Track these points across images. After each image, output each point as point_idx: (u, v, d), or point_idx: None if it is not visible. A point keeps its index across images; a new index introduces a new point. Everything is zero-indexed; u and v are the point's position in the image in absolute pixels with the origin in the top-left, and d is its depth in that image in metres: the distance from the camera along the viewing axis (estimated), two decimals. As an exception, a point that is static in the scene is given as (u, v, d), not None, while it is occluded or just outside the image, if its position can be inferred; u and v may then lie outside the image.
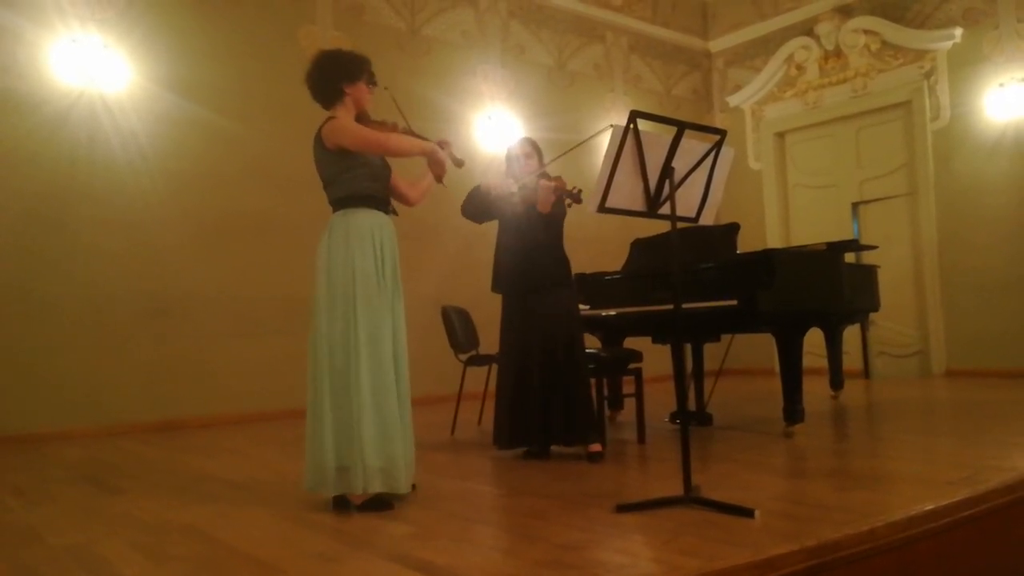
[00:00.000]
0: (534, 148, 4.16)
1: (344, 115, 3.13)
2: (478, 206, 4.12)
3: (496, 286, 4.20)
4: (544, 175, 4.02)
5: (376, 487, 2.92)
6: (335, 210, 3.12)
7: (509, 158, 4.19)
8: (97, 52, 5.78)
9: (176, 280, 6.07)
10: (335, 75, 3.13)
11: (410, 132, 3.29)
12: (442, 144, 3.30)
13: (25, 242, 5.50)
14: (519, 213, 4.01)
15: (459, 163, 3.33)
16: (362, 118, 3.21)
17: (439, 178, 3.28)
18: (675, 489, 2.85)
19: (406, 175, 3.40)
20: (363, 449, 2.89)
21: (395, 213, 3.24)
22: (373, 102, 3.27)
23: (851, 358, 7.33)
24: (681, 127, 2.84)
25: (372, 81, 3.23)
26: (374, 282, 3.02)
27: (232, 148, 6.37)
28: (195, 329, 6.13)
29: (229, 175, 6.36)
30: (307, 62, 3.20)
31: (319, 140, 3.10)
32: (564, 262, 4.11)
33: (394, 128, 3.26)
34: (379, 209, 3.14)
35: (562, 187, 3.79)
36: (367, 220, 3.07)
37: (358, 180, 3.08)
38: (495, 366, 5.10)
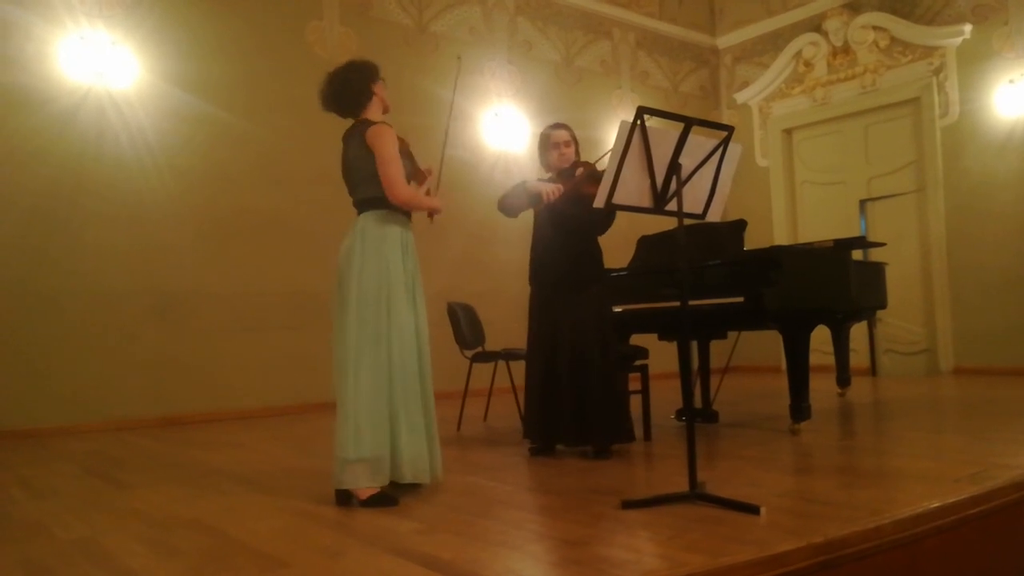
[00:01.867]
0: (573, 136, 4.07)
1: (379, 117, 3.20)
2: (517, 204, 4.01)
3: (531, 279, 4.13)
4: (587, 165, 3.96)
5: (408, 477, 3.00)
6: (364, 209, 3.14)
7: (547, 144, 4.07)
8: (105, 48, 5.80)
9: (183, 276, 6.09)
10: (363, 78, 3.19)
11: (409, 154, 3.30)
12: (428, 173, 3.37)
13: (32, 238, 5.52)
14: (556, 206, 3.91)
15: (433, 214, 3.33)
16: (405, 155, 3.21)
17: (431, 214, 3.31)
18: (681, 486, 2.84)
19: None
20: (399, 440, 2.99)
21: (409, 215, 3.29)
22: (393, 95, 3.35)
23: (858, 356, 7.32)
24: (688, 123, 2.83)
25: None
26: (402, 286, 3.09)
27: (239, 145, 6.38)
28: (201, 325, 6.15)
29: (236, 172, 6.37)
30: (322, 84, 3.22)
31: (360, 138, 3.11)
32: (597, 258, 4.03)
33: (403, 142, 3.23)
34: (405, 213, 3.20)
35: None
36: (398, 224, 3.14)
37: None
38: (501, 362, 5.12)
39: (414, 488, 3.16)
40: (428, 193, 3.34)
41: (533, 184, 3.97)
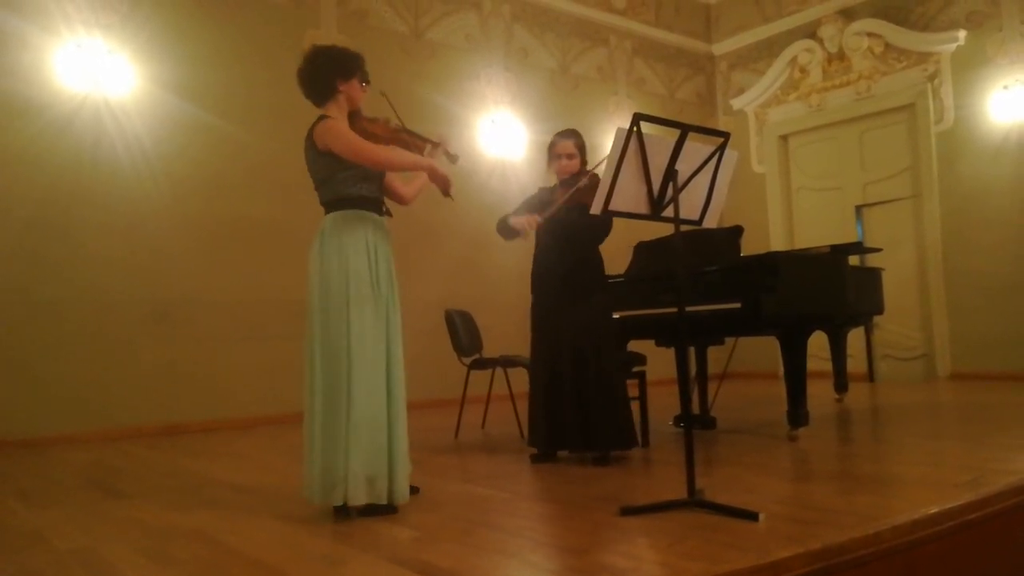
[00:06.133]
0: (578, 148, 4.03)
1: (337, 114, 3.07)
2: (507, 234, 4.07)
3: (533, 288, 4.14)
4: (592, 175, 3.96)
5: (361, 499, 2.83)
6: (327, 212, 3.06)
7: (551, 153, 4.07)
8: (101, 57, 5.81)
9: (179, 284, 6.08)
10: (330, 71, 3.06)
11: (404, 130, 3.25)
12: (439, 140, 3.28)
13: (29, 246, 5.52)
14: (559, 212, 3.90)
15: (453, 159, 3.30)
16: (355, 116, 3.15)
17: (445, 192, 3.20)
18: (679, 492, 2.84)
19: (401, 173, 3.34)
20: (349, 458, 2.83)
21: (389, 214, 3.19)
22: (368, 100, 3.22)
23: (855, 361, 7.32)
24: (684, 130, 2.84)
25: (366, 79, 3.18)
26: (368, 286, 2.96)
27: (236, 153, 6.38)
28: (199, 333, 6.14)
29: (232, 180, 6.37)
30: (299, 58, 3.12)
31: (311, 140, 3.03)
32: (598, 267, 4.04)
33: (386, 124, 3.21)
34: (372, 211, 3.08)
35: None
36: (360, 223, 3.02)
37: (350, 181, 3.02)
38: (499, 369, 5.12)
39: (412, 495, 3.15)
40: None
41: (514, 219, 3.99)
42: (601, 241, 4.04)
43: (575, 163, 4.03)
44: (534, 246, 4.12)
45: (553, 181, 4.19)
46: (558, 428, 3.90)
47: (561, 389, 3.88)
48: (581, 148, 4.07)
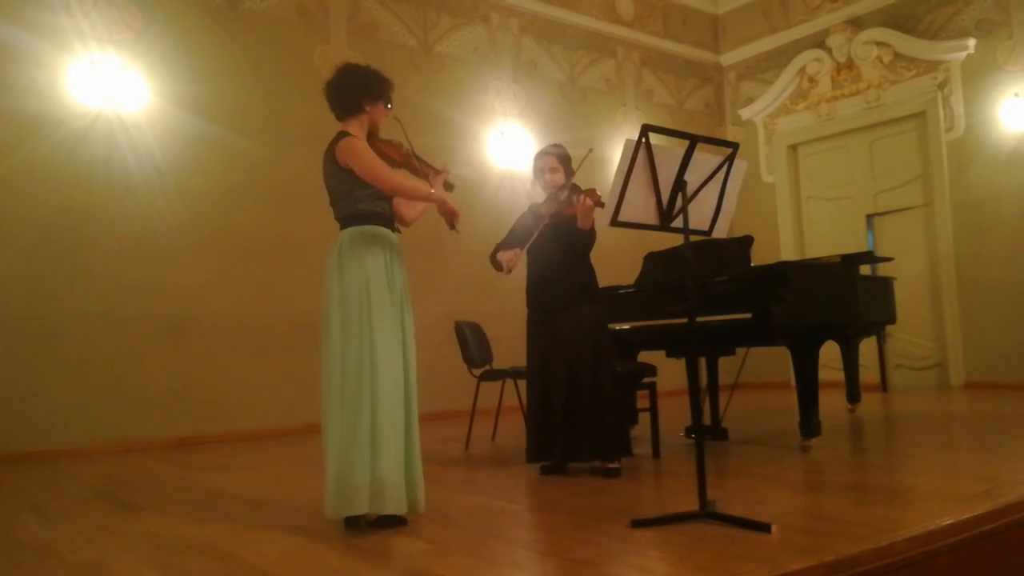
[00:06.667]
0: (560, 162, 4.06)
1: (357, 131, 3.13)
2: (496, 267, 4.11)
3: (527, 303, 4.17)
4: (574, 188, 3.98)
5: (385, 509, 2.86)
6: (343, 227, 3.12)
7: (534, 169, 4.14)
8: (115, 73, 5.87)
9: (191, 298, 6.11)
10: (359, 91, 3.13)
11: (415, 156, 3.29)
12: (442, 168, 3.31)
13: (42, 261, 5.56)
14: (545, 230, 3.92)
15: (450, 188, 3.34)
16: (371, 136, 3.22)
17: (452, 225, 3.24)
18: (691, 504, 2.83)
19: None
20: (368, 469, 2.85)
21: (398, 230, 3.24)
22: (398, 114, 3.28)
23: (868, 371, 7.28)
24: (693, 140, 2.85)
25: (390, 103, 3.26)
26: (386, 297, 3.01)
27: (247, 167, 6.43)
28: (211, 346, 6.17)
29: (244, 194, 6.42)
30: (331, 70, 3.19)
31: (331, 155, 3.09)
32: (589, 278, 4.05)
33: (400, 148, 3.27)
34: (386, 227, 3.14)
35: (598, 200, 3.69)
36: (377, 238, 3.07)
37: (368, 199, 3.07)
38: (509, 381, 5.12)
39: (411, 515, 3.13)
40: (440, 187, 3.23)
41: (499, 255, 4.03)
42: (590, 250, 4.04)
43: (559, 176, 4.05)
44: (526, 260, 4.13)
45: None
46: (550, 442, 3.91)
47: (553, 404, 3.91)
48: (564, 161, 4.08)
